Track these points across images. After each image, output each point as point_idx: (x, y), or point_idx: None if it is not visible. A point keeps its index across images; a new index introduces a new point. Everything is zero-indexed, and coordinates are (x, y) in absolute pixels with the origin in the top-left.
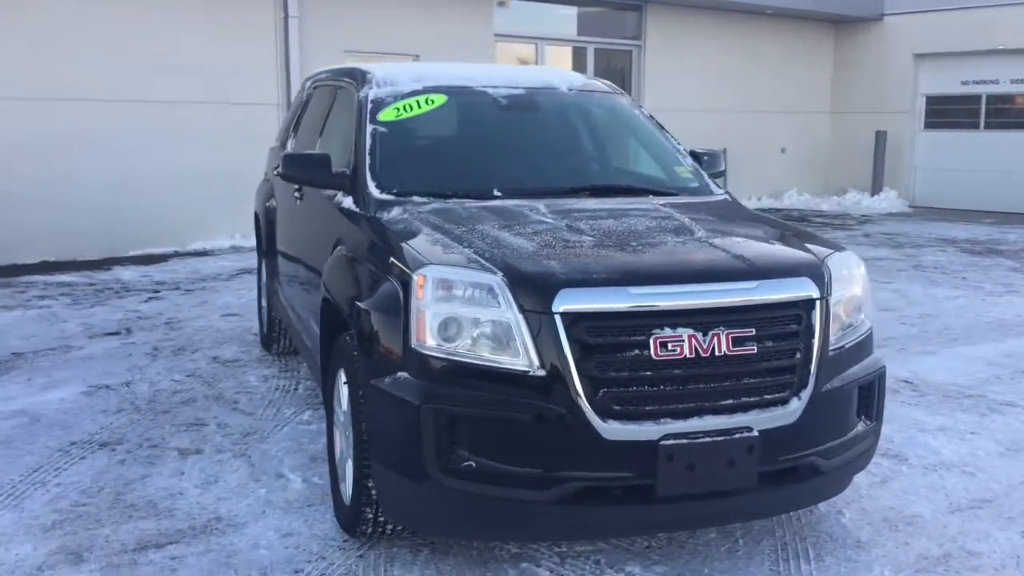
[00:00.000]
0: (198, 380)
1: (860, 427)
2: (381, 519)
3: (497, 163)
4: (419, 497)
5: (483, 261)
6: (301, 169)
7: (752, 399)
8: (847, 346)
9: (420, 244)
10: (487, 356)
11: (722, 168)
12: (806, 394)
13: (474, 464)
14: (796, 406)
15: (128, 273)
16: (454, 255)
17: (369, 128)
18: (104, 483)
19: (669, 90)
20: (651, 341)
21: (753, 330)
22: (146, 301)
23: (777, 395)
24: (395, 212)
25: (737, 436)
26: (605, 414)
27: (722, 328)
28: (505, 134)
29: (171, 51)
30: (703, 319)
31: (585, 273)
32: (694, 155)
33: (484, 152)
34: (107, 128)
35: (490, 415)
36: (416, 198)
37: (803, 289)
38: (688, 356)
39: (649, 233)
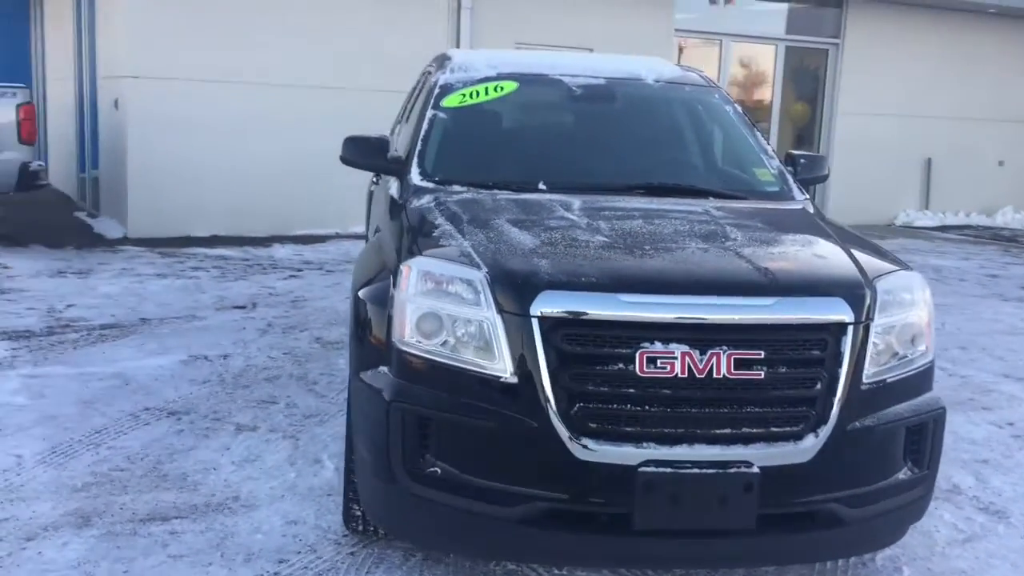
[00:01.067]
0: (291, 359)
1: (904, 475)
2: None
3: (551, 155)
4: (388, 500)
5: (474, 255)
6: (357, 152)
7: (755, 431)
8: (891, 380)
9: (424, 234)
10: (463, 357)
11: (823, 173)
12: (825, 431)
13: (439, 471)
14: (811, 443)
15: (283, 251)
16: (450, 248)
17: (429, 114)
18: (152, 451)
19: (868, 92)
20: (637, 355)
21: (763, 353)
22: (285, 279)
23: (788, 429)
24: (424, 200)
25: (732, 471)
26: (579, 431)
27: (724, 348)
28: (569, 125)
29: (347, 39)
30: (702, 336)
31: (572, 275)
32: (790, 158)
33: (540, 143)
34: (282, 111)
35: (458, 421)
36: (456, 187)
37: (833, 311)
38: (680, 376)
39: (673, 237)
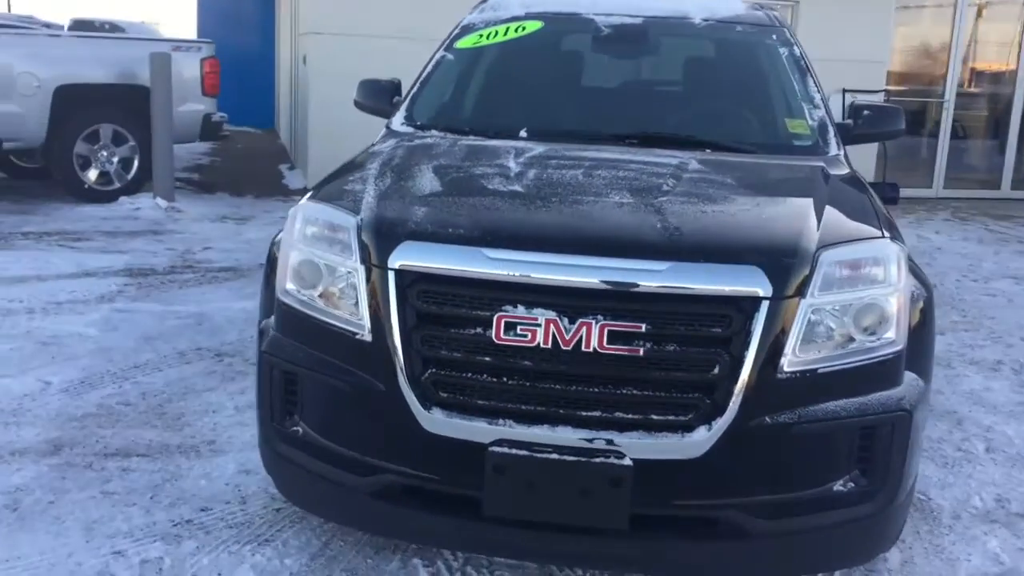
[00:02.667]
0: None
1: (844, 486)
2: None
3: (547, 101)
4: (265, 455)
5: (360, 201)
6: (367, 95)
7: (631, 417)
8: (829, 370)
9: (339, 177)
10: (331, 311)
11: (892, 128)
12: (721, 423)
13: (300, 431)
14: (703, 437)
15: None
16: (345, 193)
17: (437, 56)
18: (170, 389)
19: None
20: (495, 320)
21: (643, 326)
22: None
23: (673, 418)
24: (386, 144)
25: (598, 460)
26: (429, 400)
27: (599, 317)
28: (582, 69)
29: None
30: (573, 302)
31: (439, 225)
32: (855, 109)
33: (541, 88)
34: None
35: (318, 379)
36: (433, 132)
37: (743, 282)
38: (542, 346)
39: (601, 191)
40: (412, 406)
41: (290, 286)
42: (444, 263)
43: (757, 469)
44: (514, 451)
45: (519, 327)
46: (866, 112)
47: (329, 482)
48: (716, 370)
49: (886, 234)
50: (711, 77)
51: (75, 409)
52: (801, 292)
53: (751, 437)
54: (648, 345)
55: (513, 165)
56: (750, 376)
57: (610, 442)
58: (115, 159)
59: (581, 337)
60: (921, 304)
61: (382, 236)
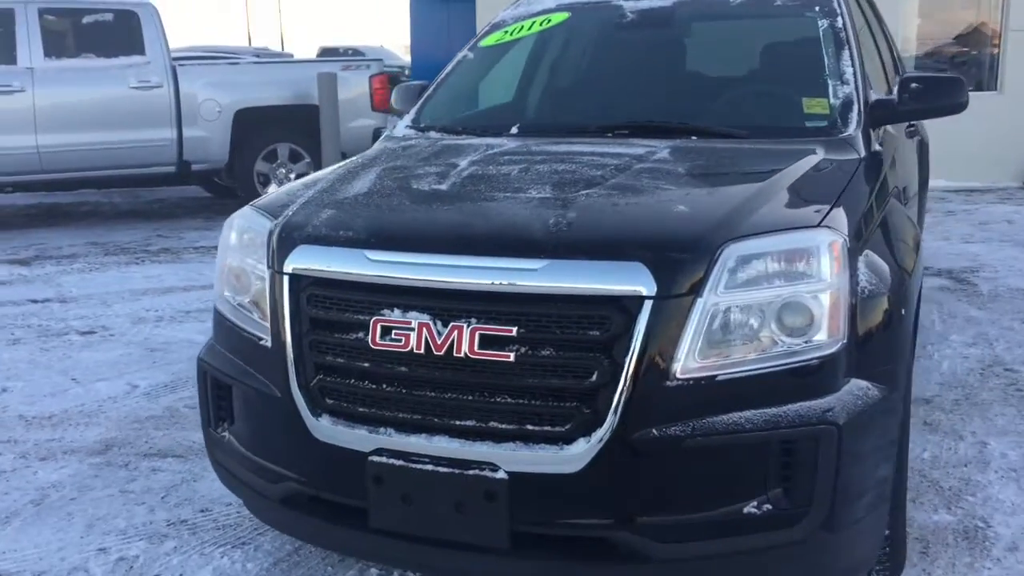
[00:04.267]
0: None
1: (758, 508)
2: None
3: (546, 95)
4: (209, 456)
5: (289, 206)
6: (401, 101)
7: (506, 427)
8: (734, 377)
9: (291, 186)
10: (245, 316)
11: (950, 101)
12: (601, 435)
13: (226, 437)
14: (582, 450)
15: None
16: (283, 197)
17: (459, 56)
18: None
19: None
20: (371, 324)
21: (514, 329)
22: None
23: (550, 428)
24: (375, 148)
25: (471, 473)
26: (318, 407)
27: (471, 321)
28: (597, 59)
29: None
30: (446, 305)
31: (333, 228)
32: (902, 83)
33: (544, 82)
34: None
35: (235, 387)
36: (432, 134)
37: (623, 280)
38: (415, 351)
39: (527, 186)
40: (303, 413)
41: (226, 293)
42: (329, 266)
43: (647, 486)
44: (392, 461)
45: (394, 331)
46: (914, 85)
47: (250, 488)
48: (595, 377)
49: (826, 223)
50: (735, 60)
51: (144, 411)
52: (697, 290)
53: (635, 451)
54: (521, 350)
55: (463, 164)
56: (631, 383)
57: (483, 454)
58: (292, 176)
59: (453, 342)
60: (884, 300)
61: (283, 241)
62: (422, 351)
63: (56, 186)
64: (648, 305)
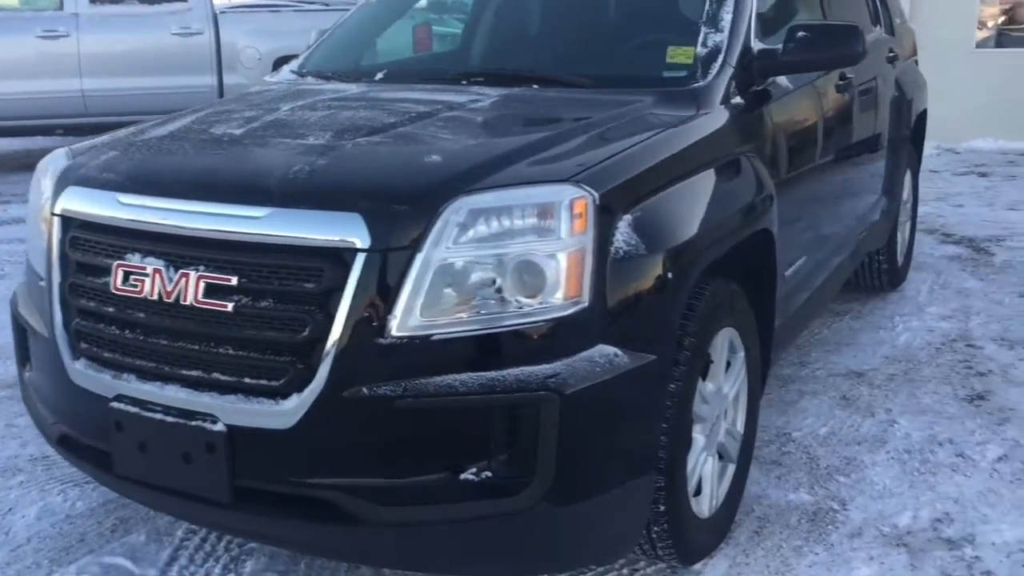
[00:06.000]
0: None
1: (477, 476)
2: None
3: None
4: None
5: (87, 148)
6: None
7: (227, 379)
8: (455, 337)
9: (133, 127)
10: (38, 258)
11: (841, 52)
12: (311, 392)
13: (27, 377)
14: (294, 406)
15: None
16: (100, 140)
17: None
18: None
19: None
20: (114, 268)
21: (234, 278)
22: None
23: (266, 382)
24: (239, 93)
25: (194, 424)
26: (76, 351)
27: (198, 268)
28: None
29: None
30: (177, 251)
31: (100, 171)
32: (790, 31)
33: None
34: None
35: (27, 327)
36: (309, 79)
37: (337, 231)
38: (149, 298)
39: (310, 132)
40: (64, 356)
41: (31, 234)
42: (86, 208)
43: (360, 446)
44: (130, 408)
45: (133, 277)
46: (802, 34)
47: (40, 427)
48: (308, 331)
49: (577, 179)
50: (608, 7)
51: None
52: (417, 244)
53: (346, 409)
54: (241, 300)
55: (283, 109)
56: (343, 339)
57: (206, 405)
58: None
59: (181, 289)
60: (649, 264)
61: (59, 182)
62: (155, 298)
63: (102, 129)
64: (362, 258)
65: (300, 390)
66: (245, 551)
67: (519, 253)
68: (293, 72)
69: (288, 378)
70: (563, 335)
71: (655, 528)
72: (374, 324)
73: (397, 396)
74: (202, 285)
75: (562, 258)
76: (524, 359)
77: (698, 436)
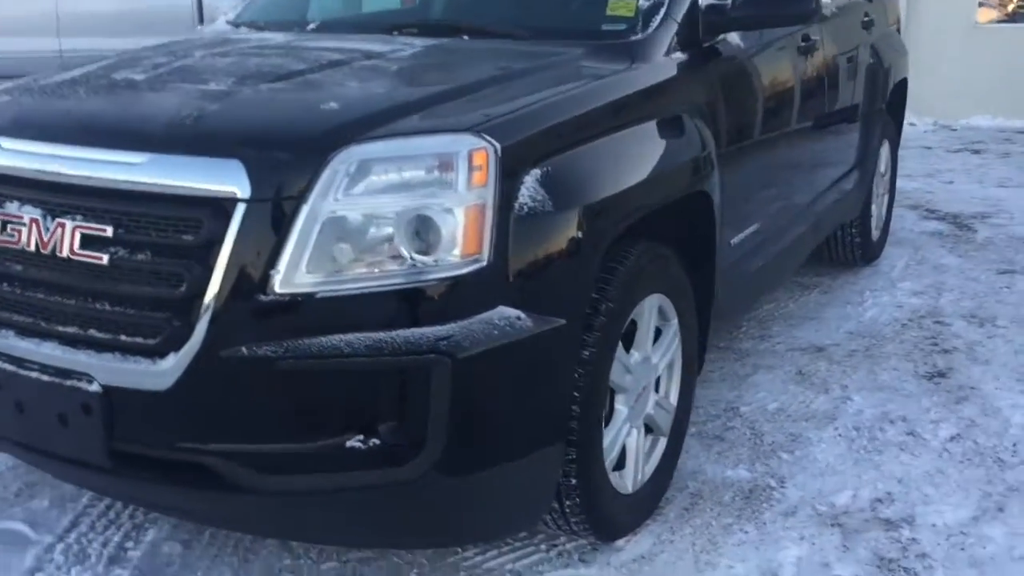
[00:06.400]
0: None
1: (364, 443)
2: None
3: None
4: None
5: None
6: None
7: (100, 335)
8: (344, 295)
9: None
10: None
11: (793, 9)
12: (188, 351)
13: None
14: (171, 366)
15: None
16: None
17: None
18: None
19: None
20: None
21: (110, 229)
22: None
23: (142, 340)
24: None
25: (69, 383)
26: None
27: (75, 217)
28: None
29: None
30: (54, 199)
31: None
32: None
33: None
34: None
35: None
36: (241, 30)
37: (216, 179)
38: (26, 249)
39: (214, 79)
40: None
41: None
42: None
43: (241, 410)
44: (6, 366)
45: (10, 226)
46: None
47: None
48: (185, 286)
49: (479, 129)
50: None
51: None
52: (303, 196)
53: (225, 371)
54: (117, 252)
55: (196, 56)
56: (221, 296)
57: (82, 364)
58: None
59: (57, 240)
60: (558, 223)
61: None
62: (32, 249)
63: None
64: (242, 209)
65: (177, 349)
66: (150, 519)
67: (413, 207)
68: (228, 23)
69: (165, 336)
70: (459, 295)
71: (567, 502)
72: (255, 280)
73: (278, 357)
74: (78, 236)
75: (459, 213)
76: (416, 320)
77: (620, 407)
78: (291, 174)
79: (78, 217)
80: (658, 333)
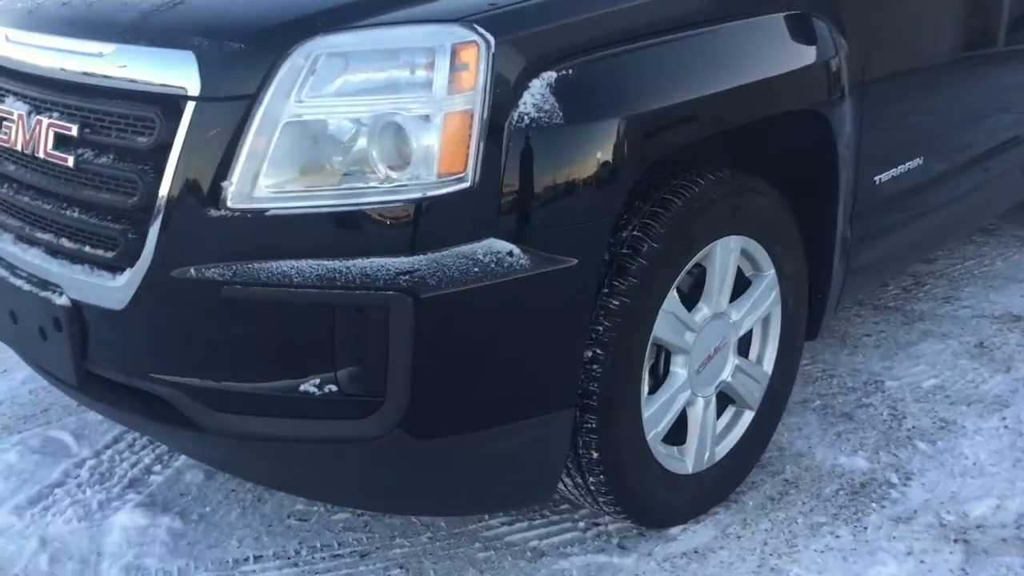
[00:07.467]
0: None
1: (320, 388)
2: None
3: None
4: None
5: None
6: None
7: (70, 246)
8: (300, 214)
9: None
10: None
11: None
12: (139, 268)
13: None
14: (125, 282)
15: None
16: None
17: None
18: None
19: None
20: None
21: (75, 128)
22: None
23: (102, 253)
24: None
25: (44, 294)
26: None
27: (52, 114)
28: None
29: None
30: (35, 94)
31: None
32: None
33: None
34: None
35: None
36: None
37: (168, 72)
38: (14, 147)
39: None
40: None
41: None
42: None
43: (192, 339)
44: (4, 272)
45: (4, 123)
46: None
47: None
48: (138, 195)
49: (470, 19)
50: None
51: None
52: (258, 94)
53: (175, 292)
54: (81, 154)
55: None
56: (170, 207)
57: (55, 275)
58: None
59: (36, 138)
60: (574, 141)
61: None
62: (18, 148)
63: None
64: (191, 107)
65: (132, 265)
66: None
67: (385, 111)
68: None
69: (120, 250)
70: (433, 222)
71: (590, 479)
72: (206, 191)
73: (224, 282)
74: (51, 135)
75: (438, 121)
76: (382, 248)
77: (678, 370)
78: (245, 68)
79: (54, 115)
80: (747, 284)
